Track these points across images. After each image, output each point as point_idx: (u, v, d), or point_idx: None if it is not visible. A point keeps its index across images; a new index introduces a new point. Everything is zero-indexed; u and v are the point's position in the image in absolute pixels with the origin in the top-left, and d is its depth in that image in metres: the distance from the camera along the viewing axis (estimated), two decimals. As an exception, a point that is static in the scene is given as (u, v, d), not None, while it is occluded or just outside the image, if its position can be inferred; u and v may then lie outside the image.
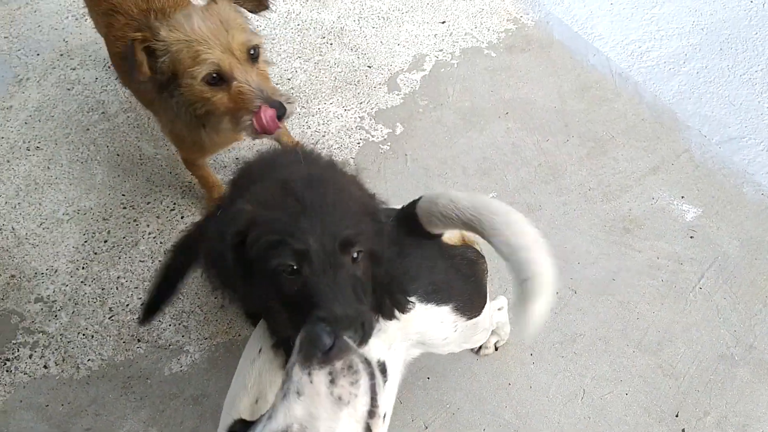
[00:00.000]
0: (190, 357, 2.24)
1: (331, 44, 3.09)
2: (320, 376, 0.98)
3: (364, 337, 1.20)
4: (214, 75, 1.78)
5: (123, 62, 1.98)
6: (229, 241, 1.23)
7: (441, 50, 3.10)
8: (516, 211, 1.37)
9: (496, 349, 2.25)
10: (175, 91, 1.85)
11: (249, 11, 1.95)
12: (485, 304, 1.76)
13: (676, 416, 2.18)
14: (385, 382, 1.44)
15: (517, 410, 2.17)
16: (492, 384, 2.22)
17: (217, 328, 2.29)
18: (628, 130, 2.85)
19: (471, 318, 1.69)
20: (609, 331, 2.33)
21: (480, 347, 2.22)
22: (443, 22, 3.20)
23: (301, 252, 1.20)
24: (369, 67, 3.01)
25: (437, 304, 1.55)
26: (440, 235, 1.57)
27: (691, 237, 2.56)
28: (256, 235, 1.21)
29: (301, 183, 1.26)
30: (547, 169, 2.73)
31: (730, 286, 2.44)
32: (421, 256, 1.53)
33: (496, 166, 2.74)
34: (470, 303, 1.66)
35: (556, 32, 3.20)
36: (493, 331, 2.15)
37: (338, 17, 3.18)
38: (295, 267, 1.22)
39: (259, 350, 1.46)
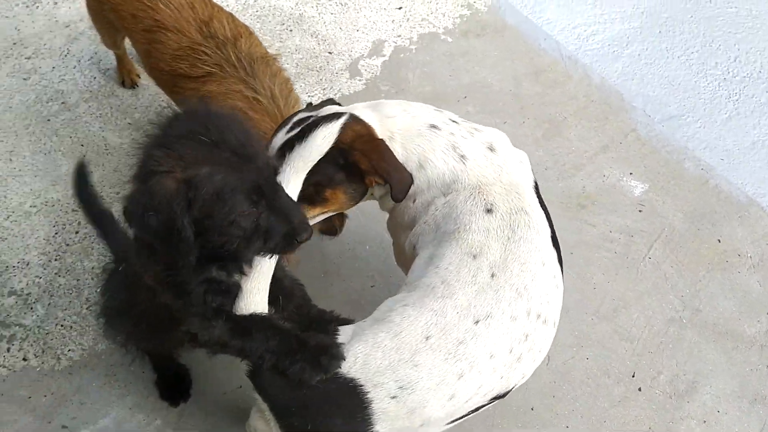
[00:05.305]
0: (172, 342, 2.28)
1: (291, 31, 3.13)
2: None
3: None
4: None
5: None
6: (180, 211, 1.23)
7: (399, 36, 3.18)
8: None
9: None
10: None
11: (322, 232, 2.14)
12: None
13: (633, 376, 2.37)
14: None
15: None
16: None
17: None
18: (579, 111, 3.02)
19: None
20: (569, 301, 2.48)
21: None
22: (400, 8, 3.28)
23: (256, 189, 1.31)
24: (330, 53, 3.07)
25: None
26: None
27: (640, 211, 2.75)
28: (206, 194, 1.24)
29: (214, 130, 1.29)
30: (505, 150, 2.86)
31: (676, 256, 2.64)
32: None
33: (457, 148, 2.85)
34: None
35: (508, 17, 3.32)
36: None
37: (296, 3, 3.22)
38: (253, 206, 1.33)
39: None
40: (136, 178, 1.27)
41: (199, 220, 1.26)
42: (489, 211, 1.65)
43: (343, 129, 1.64)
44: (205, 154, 1.24)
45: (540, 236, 1.66)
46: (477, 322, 1.53)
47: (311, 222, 1.80)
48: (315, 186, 1.69)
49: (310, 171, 1.61)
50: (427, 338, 1.51)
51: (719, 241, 2.71)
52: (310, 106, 1.86)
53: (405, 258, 1.88)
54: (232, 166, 1.26)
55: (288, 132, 1.69)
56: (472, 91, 3.02)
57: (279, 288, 1.63)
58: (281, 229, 1.38)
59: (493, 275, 1.58)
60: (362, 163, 1.65)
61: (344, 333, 1.60)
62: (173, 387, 2.20)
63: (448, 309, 1.54)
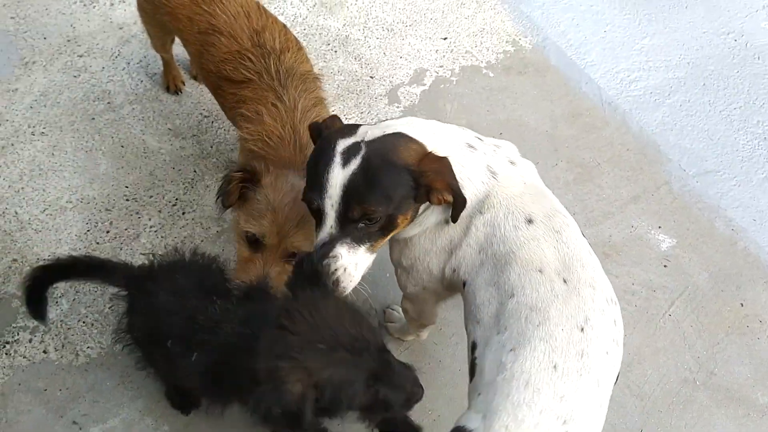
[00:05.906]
0: (187, 351, 2.33)
1: (336, 52, 3.18)
2: None
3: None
4: (254, 236, 1.93)
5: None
6: (307, 408, 1.39)
7: (441, 66, 3.21)
8: None
9: None
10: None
11: None
12: None
13: (640, 434, 2.35)
14: None
15: (493, 420, 2.31)
16: (472, 394, 2.36)
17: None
18: (614, 159, 3.01)
19: None
20: (583, 350, 2.49)
21: None
22: (445, 39, 3.31)
23: (372, 376, 1.46)
24: (371, 77, 3.11)
25: None
26: None
27: (665, 266, 2.73)
28: (331, 394, 1.41)
29: (329, 336, 1.43)
30: (535, 191, 2.87)
31: (697, 315, 2.62)
32: None
33: (487, 184, 2.87)
34: None
35: (552, 57, 3.33)
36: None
37: (344, 25, 3.27)
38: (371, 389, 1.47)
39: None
40: (262, 380, 1.38)
41: (324, 409, 1.45)
42: (530, 221, 1.68)
43: (406, 150, 1.63)
44: (324, 360, 1.41)
45: (576, 230, 1.71)
46: (582, 329, 1.55)
47: (378, 248, 1.77)
48: (390, 216, 1.65)
49: (385, 203, 1.61)
50: (555, 367, 1.52)
51: (742, 305, 2.68)
52: (335, 120, 1.80)
53: (421, 281, 1.89)
54: (349, 364, 1.43)
55: (344, 166, 1.60)
56: (507, 127, 3.03)
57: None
58: (399, 399, 1.51)
59: (565, 280, 1.61)
60: (438, 183, 1.62)
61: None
62: (182, 396, 2.24)
63: (553, 330, 1.55)
